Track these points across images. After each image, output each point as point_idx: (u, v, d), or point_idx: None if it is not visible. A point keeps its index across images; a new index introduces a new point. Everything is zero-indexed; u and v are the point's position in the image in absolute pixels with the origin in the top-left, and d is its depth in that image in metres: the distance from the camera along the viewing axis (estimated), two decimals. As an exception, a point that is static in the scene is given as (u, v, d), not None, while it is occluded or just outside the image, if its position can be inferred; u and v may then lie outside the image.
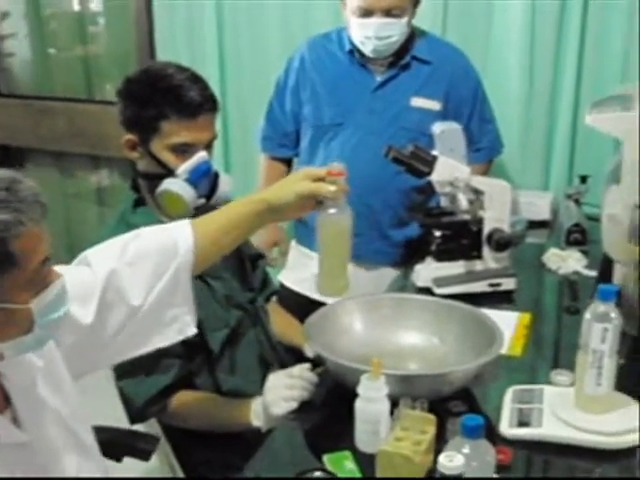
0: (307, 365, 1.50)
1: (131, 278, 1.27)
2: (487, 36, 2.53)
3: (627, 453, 1.27)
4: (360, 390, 1.28)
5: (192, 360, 1.60)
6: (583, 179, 2.30)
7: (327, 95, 2.21)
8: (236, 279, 1.73)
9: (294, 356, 1.76)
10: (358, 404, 1.29)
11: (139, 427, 1.61)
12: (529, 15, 2.44)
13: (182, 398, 1.57)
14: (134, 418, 1.58)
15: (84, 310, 1.23)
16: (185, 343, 1.57)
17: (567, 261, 2.09)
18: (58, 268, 1.12)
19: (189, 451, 1.62)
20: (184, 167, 1.56)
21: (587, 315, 1.33)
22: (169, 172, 1.57)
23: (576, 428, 1.31)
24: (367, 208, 2.19)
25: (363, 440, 1.29)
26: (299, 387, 1.45)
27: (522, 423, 1.33)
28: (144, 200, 1.64)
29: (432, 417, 1.22)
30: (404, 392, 1.29)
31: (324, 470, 1.17)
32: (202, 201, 1.61)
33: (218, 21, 2.84)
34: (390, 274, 2.22)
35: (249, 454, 1.35)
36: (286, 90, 2.29)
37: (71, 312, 1.18)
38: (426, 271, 1.96)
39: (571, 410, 1.35)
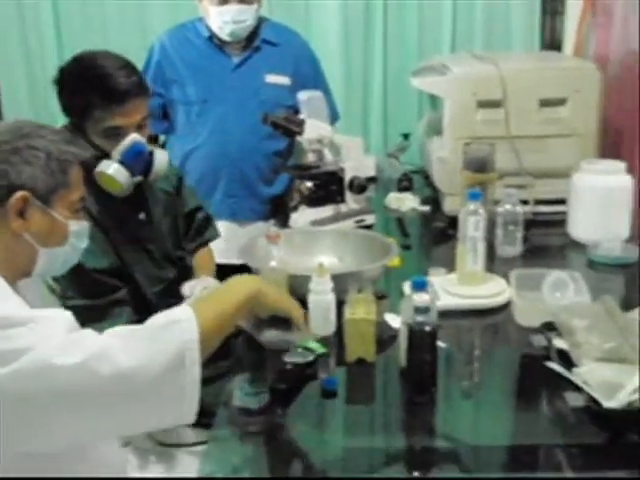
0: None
1: None
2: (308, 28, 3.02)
3: (502, 309, 1.76)
4: (312, 286, 1.63)
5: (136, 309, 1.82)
6: (405, 136, 2.81)
7: (190, 76, 2.51)
8: (171, 239, 1.98)
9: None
10: (312, 297, 1.63)
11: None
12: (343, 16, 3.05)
13: None
14: None
15: None
16: (131, 294, 1.82)
17: (405, 202, 2.59)
18: None
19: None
20: (117, 149, 1.71)
21: (461, 215, 1.80)
22: (105, 155, 1.73)
23: (465, 297, 1.76)
24: (240, 172, 2.53)
25: (317, 326, 1.64)
26: None
27: (426, 301, 1.76)
28: None
29: (373, 297, 1.60)
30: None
31: (303, 347, 1.50)
32: (139, 179, 1.79)
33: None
34: (261, 227, 2.57)
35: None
36: (147, 74, 2.53)
37: None
38: (302, 217, 2.33)
39: (457, 287, 1.80)
